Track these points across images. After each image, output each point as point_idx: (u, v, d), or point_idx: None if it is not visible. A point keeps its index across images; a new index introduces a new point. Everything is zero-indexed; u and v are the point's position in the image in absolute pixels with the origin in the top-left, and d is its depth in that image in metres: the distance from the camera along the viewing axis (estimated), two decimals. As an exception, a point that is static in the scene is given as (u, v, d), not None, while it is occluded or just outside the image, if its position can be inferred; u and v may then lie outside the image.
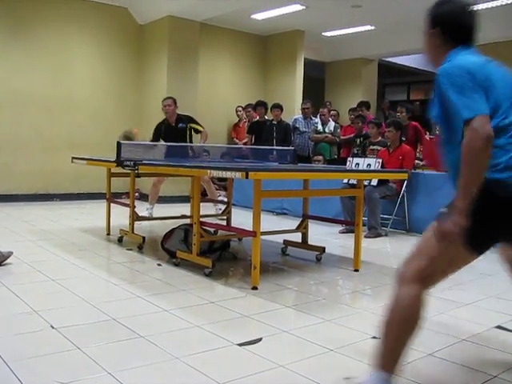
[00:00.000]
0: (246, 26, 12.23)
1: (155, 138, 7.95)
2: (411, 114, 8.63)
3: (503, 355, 3.06)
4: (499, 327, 3.52)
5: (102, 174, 7.02)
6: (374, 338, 3.21)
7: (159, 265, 5.09)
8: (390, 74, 16.29)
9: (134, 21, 11.16)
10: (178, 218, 6.49)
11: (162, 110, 8.11)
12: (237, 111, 11.95)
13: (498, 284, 4.73)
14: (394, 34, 12.35)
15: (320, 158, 9.39)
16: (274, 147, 8.58)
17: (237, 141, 11.72)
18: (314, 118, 10.39)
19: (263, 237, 4.54)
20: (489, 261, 5.41)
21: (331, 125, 10.12)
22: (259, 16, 11.27)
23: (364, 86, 14.37)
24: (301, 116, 10.44)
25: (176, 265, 5.00)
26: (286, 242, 5.81)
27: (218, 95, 12.25)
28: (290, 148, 7.21)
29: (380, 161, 6.98)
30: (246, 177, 3.89)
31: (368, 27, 12.07)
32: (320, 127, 10.05)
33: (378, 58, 14.63)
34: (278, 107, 10.02)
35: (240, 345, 3.04)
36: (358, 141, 9.62)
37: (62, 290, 4.13)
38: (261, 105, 10.48)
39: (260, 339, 3.13)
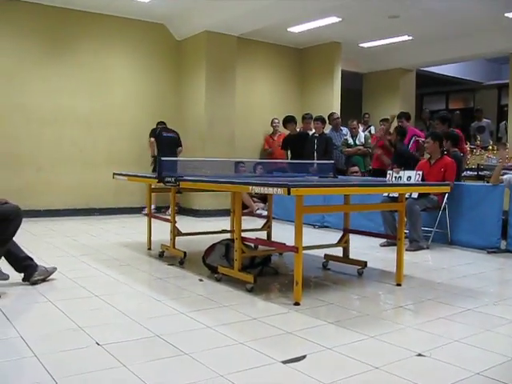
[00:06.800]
0: (282, 39, 12.26)
1: None
2: (449, 124, 8.47)
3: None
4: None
5: (142, 187, 7.10)
6: (420, 355, 3.16)
7: (201, 280, 5.10)
8: (427, 84, 16.14)
9: (172, 37, 11.29)
10: (218, 233, 6.51)
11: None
12: (272, 123, 11.95)
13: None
14: (432, 43, 12.26)
15: (356, 169, 9.37)
16: (315, 161, 8.56)
17: (270, 150, 11.71)
18: (342, 129, 10.35)
19: (305, 251, 4.50)
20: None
21: (361, 136, 10.07)
22: (296, 29, 11.29)
23: (402, 96, 14.25)
24: (331, 129, 10.40)
25: (218, 280, 5.01)
26: (328, 257, 5.78)
27: (256, 108, 12.29)
28: (330, 161, 7.16)
29: (420, 173, 6.89)
30: (288, 193, 3.89)
31: (405, 37, 11.98)
32: (350, 140, 10.02)
33: (415, 68, 14.51)
34: (319, 120, 9.96)
35: (284, 362, 3.02)
36: None
37: (105, 306, 4.18)
38: (290, 121, 10.48)
39: (304, 356, 3.11)
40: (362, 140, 10.06)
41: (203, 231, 6.84)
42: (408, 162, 7.83)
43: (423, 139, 8.45)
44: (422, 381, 2.82)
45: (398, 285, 4.99)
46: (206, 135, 10.62)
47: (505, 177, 7.10)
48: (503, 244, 6.85)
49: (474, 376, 2.89)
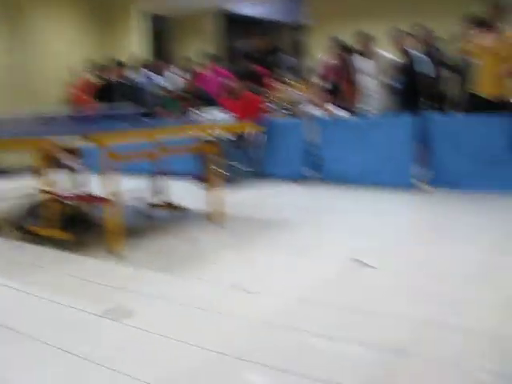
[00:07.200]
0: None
1: None
2: (253, 61, 8.75)
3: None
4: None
5: None
6: (243, 290, 3.25)
7: (13, 242, 4.76)
8: (234, 24, 16.26)
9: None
10: (28, 191, 6.08)
11: None
12: (73, 70, 11.17)
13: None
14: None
15: (165, 112, 9.30)
16: (121, 107, 8.29)
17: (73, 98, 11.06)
18: (149, 73, 10.16)
19: (125, 201, 4.39)
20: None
21: (173, 79, 9.99)
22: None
23: (210, 37, 14.29)
24: (142, 73, 10.17)
25: (31, 241, 4.69)
26: (149, 205, 5.70)
27: (56, 55, 11.47)
28: (139, 107, 6.99)
29: (229, 112, 6.96)
30: (92, 142, 3.74)
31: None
32: (162, 83, 9.90)
33: (220, 9, 14.52)
34: (120, 64, 9.68)
35: (109, 317, 2.96)
36: None
37: None
38: (98, 69, 10.13)
39: (130, 309, 3.06)
40: (175, 83, 9.93)
41: (10, 190, 6.39)
42: (208, 103, 7.92)
43: (229, 79, 8.54)
44: (247, 314, 2.92)
45: (218, 224, 5.06)
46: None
47: (308, 111, 7.42)
48: (308, 173, 7.17)
49: (292, 301, 3.04)
